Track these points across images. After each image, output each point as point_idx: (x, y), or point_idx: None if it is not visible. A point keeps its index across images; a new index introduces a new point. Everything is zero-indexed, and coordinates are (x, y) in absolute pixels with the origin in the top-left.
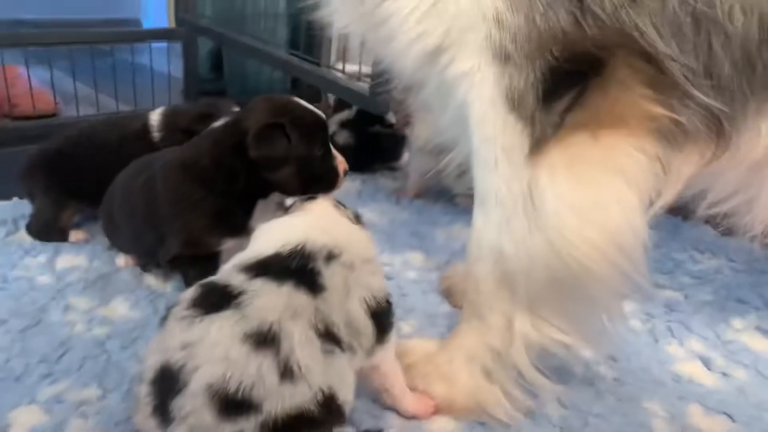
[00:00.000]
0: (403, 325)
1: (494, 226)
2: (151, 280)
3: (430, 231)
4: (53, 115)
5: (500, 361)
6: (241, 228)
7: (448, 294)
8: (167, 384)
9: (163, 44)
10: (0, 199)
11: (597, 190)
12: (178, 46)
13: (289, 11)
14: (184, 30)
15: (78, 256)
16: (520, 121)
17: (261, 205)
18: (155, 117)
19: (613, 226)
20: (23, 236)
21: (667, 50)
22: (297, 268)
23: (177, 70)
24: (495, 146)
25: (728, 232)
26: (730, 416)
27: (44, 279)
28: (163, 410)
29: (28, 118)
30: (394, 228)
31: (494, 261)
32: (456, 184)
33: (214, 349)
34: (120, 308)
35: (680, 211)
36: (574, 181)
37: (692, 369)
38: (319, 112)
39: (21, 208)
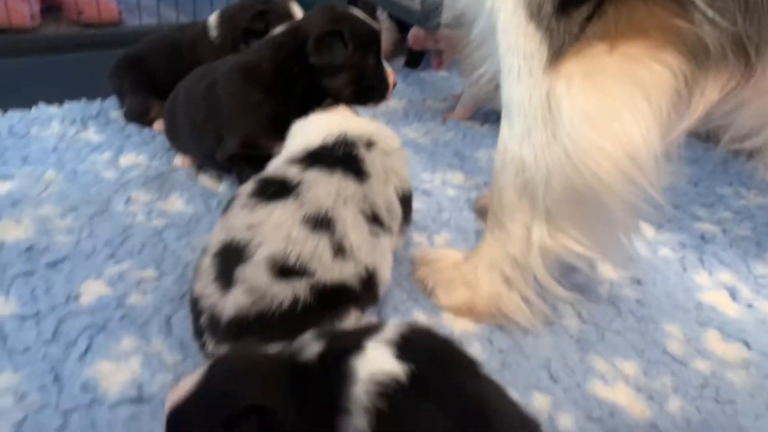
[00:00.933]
0: (436, 237)
1: (517, 137)
2: (205, 180)
3: (473, 153)
4: (117, 23)
5: (519, 269)
6: None
7: (482, 213)
8: (232, 256)
9: None
10: (70, 100)
11: (612, 101)
12: None
13: None
14: None
15: (139, 155)
16: (539, 30)
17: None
18: (213, 18)
19: (626, 137)
20: (91, 135)
21: None
22: (343, 156)
23: None
24: (517, 56)
25: None
26: (747, 344)
27: (109, 174)
28: (225, 277)
29: (91, 25)
30: (437, 147)
31: (516, 171)
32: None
33: (278, 230)
34: (176, 203)
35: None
36: (590, 90)
37: (717, 298)
38: (375, 24)
39: (90, 108)
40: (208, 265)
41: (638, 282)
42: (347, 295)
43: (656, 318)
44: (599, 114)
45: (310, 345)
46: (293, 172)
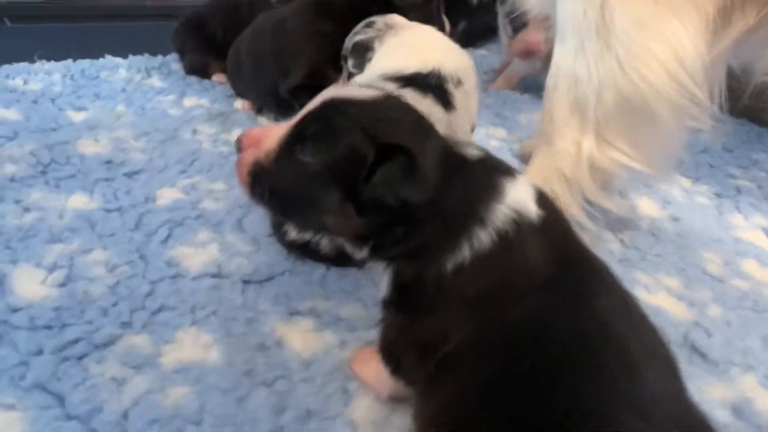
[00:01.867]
0: None
1: (570, 53)
2: (264, 121)
3: (514, 115)
4: None
5: (567, 184)
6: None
7: (525, 159)
8: None
9: None
10: (135, 54)
11: (661, 7)
12: None
13: None
14: None
15: (201, 99)
16: None
17: None
18: None
19: (674, 39)
20: (155, 81)
21: None
22: (435, 86)
23: None
24: None
25: None
26: None
27: (174, 111)
28: None
29: None
30: (480, 110)
31: (569, 87)
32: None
33: None
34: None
35: (763, 121)
36: None
37: (753, 236)
38: None
39: (153, 61)
40: None
41: (677, 219)
42: None
43: (695, 247)
44: (649, 19)
45: (470, 147)
46: (391, 87)
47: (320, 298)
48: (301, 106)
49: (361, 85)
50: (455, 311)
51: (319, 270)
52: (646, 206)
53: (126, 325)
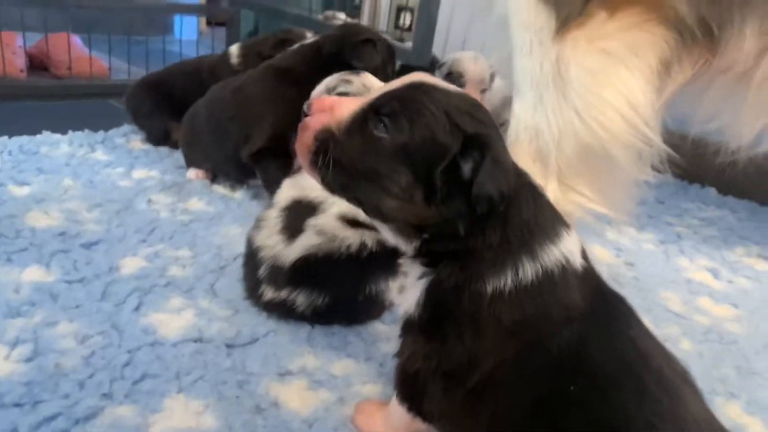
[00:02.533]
0: None
1: (530, 106)
2: (220, 189)
3: None
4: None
5: None
6: None
7: None
8: (303, 210)
9: (193, 36)
10: (74, 130)
11: (612, 59)
12: (207, 40)
13: None
14: (231, 6)
15: (152, 171)
16: (547, 5)
17: None
18: (234, 48)
19: (625, 88)
20: (100, 155)
21: None
22: None
23: None
24: (529, 31)
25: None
26: (735, 306)
27: (125, 182)
28: (293, 228)
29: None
30: None
31: (529, 139)
32: None
33: None
34: (197, 204)
35: (686, 176)
36: (594, 52)
37: (702, 276)
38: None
39: (94, 136)
40: (274, 216)
41: (631, 264)
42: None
43: (653, 288)
44: (602, 70)
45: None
46: None
47: (310, 357)
48: (264, 171)
49: None
50: (491, 336)
51: (304, 328)
52: (601, 254)
53: (106, 396)
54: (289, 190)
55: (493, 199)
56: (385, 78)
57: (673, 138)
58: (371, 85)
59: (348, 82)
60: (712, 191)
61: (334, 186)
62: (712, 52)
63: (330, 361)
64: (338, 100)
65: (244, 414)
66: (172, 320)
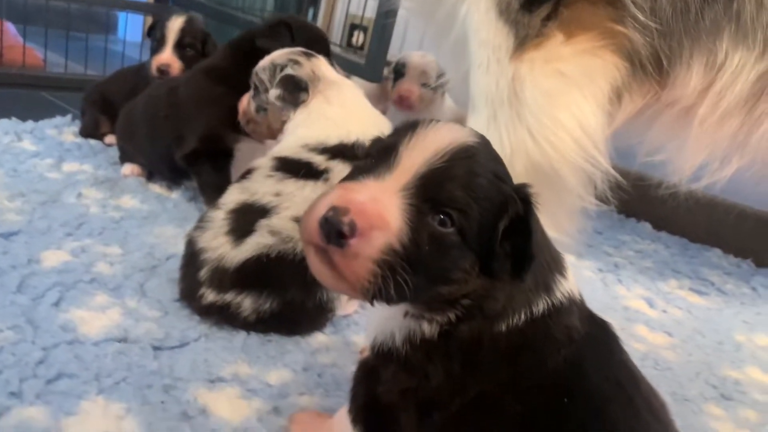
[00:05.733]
0: None
1: (483, 123)
2: (156, 187)
3: None
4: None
5: None
6: None
7: None
8: (253, 213)
9: (138, 38)
10: (2, 117)
11: (566, 81)
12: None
13: None
14: (178, 7)
15: (83, 165)
16: (507, 24)
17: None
18: None
19: (578, 112)
20: (27, 144)
21: None
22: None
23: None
24: (487, 48)
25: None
26: (669, 334)
27: (53, 175)
28: (241, 231)
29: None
30: None
31: None
32: None
33: (308, 202)
34: (131, 202)
35: (623, 210)
36: (549, 73)
37: (638, 305)
38: (321, 31)
39: (23, 125)
40: (221, 218)
41: None
42: None
43: None
44: (556, 91)
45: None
46: (319, 160)
47: (244, 364)
48: (198, 173)
49: (281, 156)
50: (487, 366)
51: (239, 335)
52: None
53: (14, 395)
54: (237, 193)
55: (539, 261)
56: None
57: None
58: (322, 74)
59: (297, 63)
60: (647, 226)
61: (396, 300)
62: (661, 85)
63: (265, 369)
64: (375, 202)
65: (169, 420)
66: (95, 318)
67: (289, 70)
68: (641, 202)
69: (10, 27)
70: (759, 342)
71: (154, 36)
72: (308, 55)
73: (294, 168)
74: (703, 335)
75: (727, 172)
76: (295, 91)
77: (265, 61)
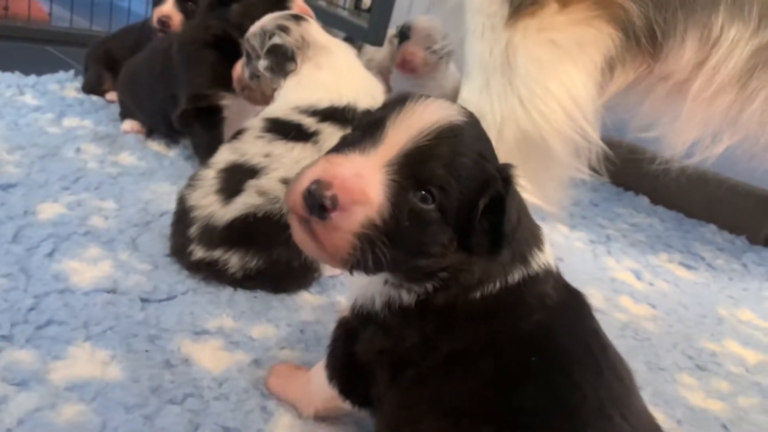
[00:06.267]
0: None
1: (476, 89)
2: (155, 145)
3: None
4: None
5: None
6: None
7: None
8: (242, 173)
9: None
10: (5, 71)
11: (559, 50)
12: None
13: None
14: None
15: (84, 120)
16: None
17: None
18: None
19: (569, 83)
20: (29, 98)
21: None
22: (352, 119)
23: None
24: (482, 15)
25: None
26: (653, 306)
27: (53, 129)
28: (230, 189)
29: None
30: None
31: None
32: None
33: (297, 164)
34: (128, 158)
35: (621, 183)
36: (542, 42)
37: (625, 276)
38: None
39: (25, 79)
40: (211, 177)
41: (561, 260)
42: None
43: (578, 284)
44: (549, 61)
45: None
46: (309, 122)
47: (228, 318)
48: (191, 134)
49: (270, 117)
50: (462, 328)
51: (226, 290)
52: None
53: (5, 338)
54: (227, 153)
55: (515, 231)
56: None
57: (612, 144)
58: (312, 39)
59: (285, 29)
60: (644, 200)
61: (373, 271)
62: (654, 58)
63: (249, 323)
64: (358, 177)
65: (152, 368)
66: (86, 269)
67: (276, 39)
68: (638, 175)
69: None
70: (741, 317)
71: None
72: (298, 19)
73: (284, 130)
74: (687, 308)
75: (719, 148)
76: (283, 61)
77: (255, 27)
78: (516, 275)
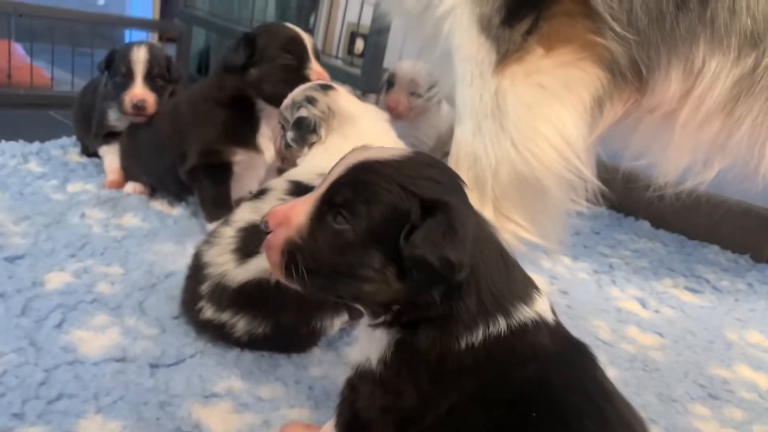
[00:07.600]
0: None
1: (469, 134)
2: (158, 204)
3: None
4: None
5: None
6: (247, 140)
7: None
8: (262, 234)
9: None
10: (9, 140)
11: (547, 93)
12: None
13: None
14: (182, 23)
15: (87, 184)
16: (488, 40)
17: (265, 124)
18: None
19: (558, 121)
20: (33, 166)
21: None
22: None
23: None
24: (470, 63)
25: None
26: (660, 335)
27: (58, 196)
28: (247, 250)
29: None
30: None
31: (468, 166)
32: None
33: None
34: (132, 220)
35: (621, 208)
36: (530, 86)
37: (630, 306)
38: (299, 31)
39: (29, 147)
40: (229, 235)
41: (565, 293)
42: None
43: (584, 316)
44: (537, 103)
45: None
46: None
47: (237, 379)
48: (200, 189)
49: (295, 180)
50: (452, 380)
51: (232, 351)
52: (536, 282)
53: (17, 416)
54: (248, 212)
55: (432, 265)
56: (298, 77)
57: (608, 171)
58: (338, 109)
59: (312, 100)
60: (645, 224)
61: (315, 291)
62: (641, 92)
63: (258, 383)
64: (290, 207)
65: None
66: (94, 338)
67: (303, 111)
68: (638, 200)
69: (18, 48)
70: (750, 339)
71: (116, 70)
72: (326, 89)
73: (306, 194)
74: (694, 334)
75: (711, 173)
76: (305, 133)
77: (287, 100)
78: (501, 325)
